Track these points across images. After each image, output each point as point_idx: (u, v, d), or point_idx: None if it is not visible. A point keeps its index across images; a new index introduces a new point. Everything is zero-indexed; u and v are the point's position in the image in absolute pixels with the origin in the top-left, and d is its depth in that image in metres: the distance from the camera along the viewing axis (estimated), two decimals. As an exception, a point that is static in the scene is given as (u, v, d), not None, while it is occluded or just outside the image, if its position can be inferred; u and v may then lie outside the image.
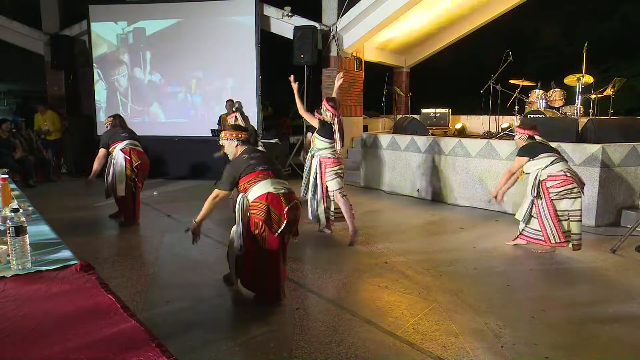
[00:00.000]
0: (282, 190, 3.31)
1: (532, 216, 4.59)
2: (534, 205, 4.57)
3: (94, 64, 9.85)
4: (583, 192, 4.52)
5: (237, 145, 3.54)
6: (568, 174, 4.44)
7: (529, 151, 4.59)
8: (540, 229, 4.54)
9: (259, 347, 2.82)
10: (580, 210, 4.49)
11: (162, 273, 4.12)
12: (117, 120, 5.86)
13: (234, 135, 3.55)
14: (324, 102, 5.02)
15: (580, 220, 4.51)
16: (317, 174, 5.03)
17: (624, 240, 4.61)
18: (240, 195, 3.39)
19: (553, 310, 3.35)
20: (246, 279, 3.47)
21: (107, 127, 5.89)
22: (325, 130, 4.96)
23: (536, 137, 4.66)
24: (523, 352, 2.76)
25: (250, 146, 3.56)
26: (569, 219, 4.47)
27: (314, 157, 5.10)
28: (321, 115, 5.08)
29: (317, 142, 5.03)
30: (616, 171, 5.58)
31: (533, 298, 3.59)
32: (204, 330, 3.01)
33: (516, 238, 4.83)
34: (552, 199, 4.47)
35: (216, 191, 3.51)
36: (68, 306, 1.49)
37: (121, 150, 5.50)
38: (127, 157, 5.49)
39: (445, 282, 3.89)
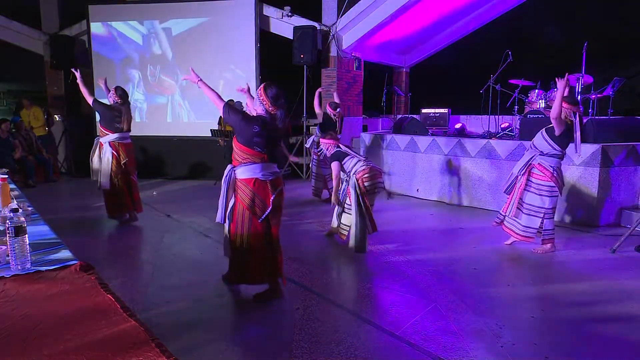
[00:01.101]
0: (270, 177, 3.32)
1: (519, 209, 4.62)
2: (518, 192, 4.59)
3: (93, 64, 9.85)
4: (561, 193, 4.59)
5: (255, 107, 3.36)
6: (555, 174, 4.45)
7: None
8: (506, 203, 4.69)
9: (259, 347, 2.83)
10: (555, 208, 4.59)
11: (161, 273, 4.12)
12: (122, 100, 5.67)
13: (266, 102, 3.26)
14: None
15: (553, 217, 4.61)
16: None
17: (623, 240, 4.61)
18: (229, 167, 3.34)
19: (553, 310, 3.35)
20: (233, 266, 3.50)
21: (112, 100, 5.67)
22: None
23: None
24: (523, 352, 2.76)
25: (265, 120, 3.27)
26: (543, 216, 4.51)
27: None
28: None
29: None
30: (616, 171, 5.58)
31: (533, 298, 3.59)
32: (204, 330, 3.01)
33: (500, 223, 4.87)
34: (525, 187, 4.53)
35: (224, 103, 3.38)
36: (68, 306, 1.49)
37: (109, 143, 5.52)
38: (115, 153, 5.52)
39: (445, 282, 3.89)
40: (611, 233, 5.21)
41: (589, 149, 5.55)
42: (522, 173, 4.56)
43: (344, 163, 4.66)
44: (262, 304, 3.41)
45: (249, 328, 3.07)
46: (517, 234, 4.63)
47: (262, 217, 3.29)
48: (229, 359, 2.70)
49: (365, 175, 4.48)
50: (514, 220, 4.64)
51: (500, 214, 4.84)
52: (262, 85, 3.32)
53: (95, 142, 5.74)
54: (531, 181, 4.53)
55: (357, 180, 4.47)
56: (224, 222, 3.37)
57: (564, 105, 4.35)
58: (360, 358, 2.68)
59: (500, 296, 3.61)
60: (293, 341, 2.86)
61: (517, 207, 4.60)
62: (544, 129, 4.55)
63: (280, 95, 3.26)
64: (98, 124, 5.80)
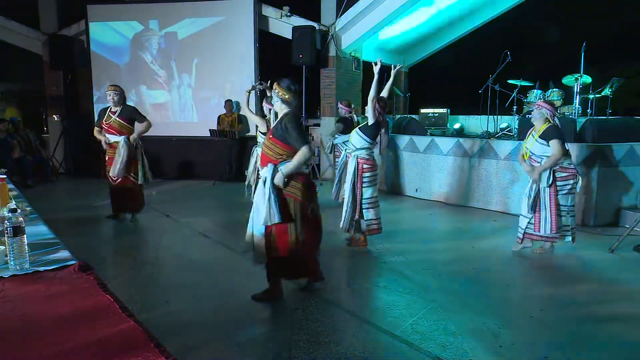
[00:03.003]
0: (307, 170, 3.38)
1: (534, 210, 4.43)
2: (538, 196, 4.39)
3: (92, 64, 9.85)
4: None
5: (277, 102, 3.32)
6: (575, 169, 4.37)
7: (562, 134, 4.35)
8: (534, 222, 4.43)
9: (258, 347, 2.83)
10: (574, 205, 4.48)
11: (160, 273, 4.12)
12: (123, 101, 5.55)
13: (275, 90, 3.28)
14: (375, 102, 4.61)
15: (574, 215, 4.49)
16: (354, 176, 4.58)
17: (622, 240, 4.62)
18: (271, 166, 3.19)
19: (551, 309, 3.35)
20: (282, 264, 3.33)
21: (113, 99, 5.44)
22: (372, 129, 4.54)
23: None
24: (522, 352, 2.76)
25: (296, 113, 3.29)
26: (567, 214, 4.41)
27: (349, 157, 4.78)
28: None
29: (356, 140, 4.58)
30: (614, 171, 5.59)
31: (532, 298, 3.60)
32: (203, 331, 3.01)
33: (522, 240, 4.57)
34: (557, 192, 4.35)
35: (306, 149, 3.16)
36: (66, 306, 1.49)
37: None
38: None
39: (444, 281, 3.89)
40: (610, 233, 5.22)
41: (587, 149, 5.56)
42: (549, 184, 4.34)
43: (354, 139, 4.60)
44: (264, 303, 3.40)
45: (248, 328, 3.07)
46: (545, 236, 4.44)
47: (310, 210, 3.30)
48: (228, 359, 2.70)
49: (367, 166, 4.49)
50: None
51: (534, 233, 4.49)
52: (278, 82, 3.32)
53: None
54: (557, 185, 4.37)
55: (358, 164, 4.47)
56: (278, 221, 3.18)
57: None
58: (359, 358, 2.68)
59: (499, 296, 3.62)
60: (292, 341, 2.85)
61: (557, 214, 4.37)
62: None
63: (294, 84, 3.33)
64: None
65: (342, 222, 4.65)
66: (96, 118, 5.76)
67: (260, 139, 4.93)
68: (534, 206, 4.41)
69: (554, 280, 4.01)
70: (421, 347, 2.81)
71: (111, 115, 5.50)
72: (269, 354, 2.74)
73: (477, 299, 3.52)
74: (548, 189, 4.33)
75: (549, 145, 4.25)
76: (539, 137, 4.33)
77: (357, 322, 3.15)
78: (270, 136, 3.24)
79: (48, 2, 10.65)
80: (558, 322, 3.16)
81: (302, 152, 3.14)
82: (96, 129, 5.65)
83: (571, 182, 4.36)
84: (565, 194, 4.37)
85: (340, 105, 7.07)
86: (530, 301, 3.53)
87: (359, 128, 4.66)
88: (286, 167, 3.16)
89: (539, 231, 4.41)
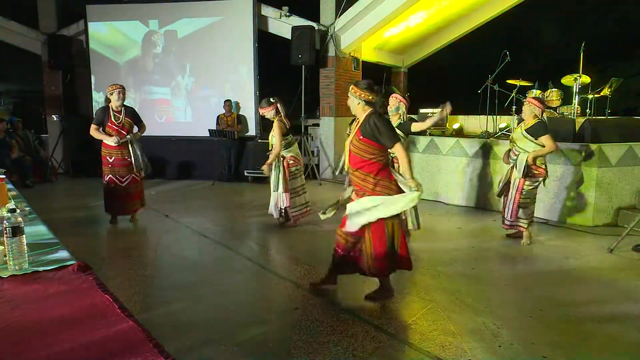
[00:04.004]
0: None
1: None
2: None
3: (91, 64, 9.84)
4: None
5: (358, 104, 3.30)
6: (546, 170, 4.74)
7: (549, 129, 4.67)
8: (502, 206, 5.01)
9: (258, 347, 2.82)
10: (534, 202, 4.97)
11: (160, 273, 4.11)
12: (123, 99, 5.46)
13: (357, 93, 3.28)
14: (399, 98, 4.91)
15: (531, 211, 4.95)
16: None
17: (621, 240, 4.62)
18: (375, 175, 3.24)
19: (551, 309, 3.36)
20: (386, 261, 3.35)
21: (121, 97, 5.36)
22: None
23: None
24: (521, 352, 2.76)
25: (377, 112, 3.30)
26: (526, 207, 4.85)
27: None
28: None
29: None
30: (613, 171, 5.60)
31: (531, 297, 3.60)
32: (202, 331, 3.01)
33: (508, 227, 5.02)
34: (524, 186, 4.75)
35: (400, 146, 3.24)
36: (65, 307, 1.49)
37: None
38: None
39: (443, 281, 3.89)
40: (609, 233, 5.22)
41: (586, 149, 5.57)
42: (523, 175, 4.73)
43: None
44: (260, 304, 3.40)
45: (247, 328, 3.07)
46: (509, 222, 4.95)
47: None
48: (227, 359, 2.70)
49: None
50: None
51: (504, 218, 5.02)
52: (355, 85, 3.33)
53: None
54: (528, 179, 4.78)
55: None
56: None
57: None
58: (358, 358, 2.68)
59: (498, 296, 3.62)
60: (291, 341, 2.86)
61: (518, 205, 4.82)
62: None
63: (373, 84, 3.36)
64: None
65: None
66: (95, 117, 5.57)
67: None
68: (502, 191, 4.95)
69: (553, 280, 4.01)
70: (420, 347, 2.82)
71: (118, 115, 5.41)
72: (268, 353, 2.74)
73: (476, 299, 3.52)
74: (519, 179, 4.72)
75: (532, 140, 4.60)
76: (525, 130, 4.65)
77: (357, 322, 3.15)
78: (360, 137, 3.24)
79: (47, 2, 10.64)
80: (557, 322, 3.17)
81: (401, 151, 3.25)
82: (94, 127, 5.41)
83: (540, 179, 4.73)
84: (531, 189, 4.75)
85: None
86: (529, 301, 3.53)
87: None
88: (407, 174, 3.25)
89: (505, 215, 4.91)
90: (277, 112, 5.31)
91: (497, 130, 7.60)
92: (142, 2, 9.54)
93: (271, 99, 5.31)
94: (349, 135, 3.44)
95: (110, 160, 5.46)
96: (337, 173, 6.37)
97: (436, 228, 5.70)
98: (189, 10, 9.33)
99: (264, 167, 5.34)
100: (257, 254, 4.68)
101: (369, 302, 3.46)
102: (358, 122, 3.34)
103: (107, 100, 5.47)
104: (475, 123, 8.96)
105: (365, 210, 3.26)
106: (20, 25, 10.51)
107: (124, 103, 5.51)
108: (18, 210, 1.95)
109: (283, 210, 5.57)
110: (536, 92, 7.48)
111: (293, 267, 4.23)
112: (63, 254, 2.00)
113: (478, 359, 2.69)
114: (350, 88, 3.32)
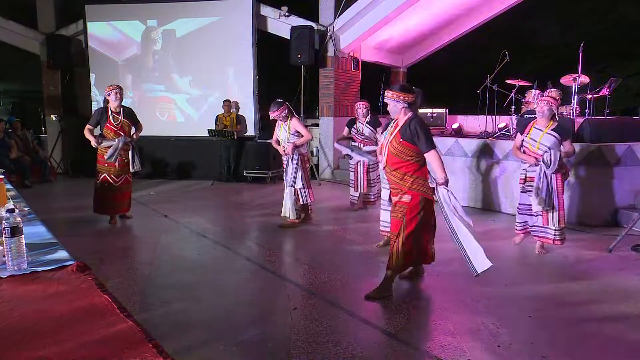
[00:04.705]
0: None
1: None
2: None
3: (90, 64, 9.83)
4: None
5: (402, 108, 3.47)
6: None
7: None
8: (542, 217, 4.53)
9: (257, 347, 2.82)
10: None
11: (159, 273, 4.11)
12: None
13: (401, 97, 3.45)
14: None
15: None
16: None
17: (620, 240, 4.63)
18: (431, 180, 3.50)
19: (550, 309, 3.36)
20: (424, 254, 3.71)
21: (119, 98, 5.38)
22: None
23: None
24: (520, 352, 2.76)
25: (418, 117, 3.50)
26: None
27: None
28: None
29: None
30: (612, 171, 5.60)
31: (530, 297, 3.60)
32: (201, 331, 3.01)
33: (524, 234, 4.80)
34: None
35: (435, 152, 3.45)
36: (64, 307, 1.49)
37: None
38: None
39: (443, 281, 3.89)
40: (608, 233, 5.22)
41: (585, 149, 5.57)
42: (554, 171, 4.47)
43: None
44: (260, 304, 3.39)
45: (246, 328, 3.07)
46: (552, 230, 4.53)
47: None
48: (226, 359, 2.69)
49: None
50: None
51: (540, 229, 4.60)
52: (391, 88, 3.51)
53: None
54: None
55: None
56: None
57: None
58: (357, 358, 2.68)
59: (497, 296, 3.62)
60: (290, 341, 2.85)
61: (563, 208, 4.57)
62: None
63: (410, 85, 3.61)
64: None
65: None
66: (91, 117, 5.56)
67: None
68: (547, 200, 4.39)
69: (552, 280, 4.01)
70: (420, 346, 2.82)
71: (117, 116, 5.41)
72: (267, 354, 2.74)
73: (475, 298, 3.52)
74: (554, 177, 4.40)
75: (559, 140, 4.38)
76: (552, 130, 4.42)
77: (356, 322, 3.15)
78: (400, 139, 3.44)
79: (46, 2, 10.63)
80: (556, 322, 3.17)
81: (436, 156, 3.44)
82: (90, 128, 5.43)
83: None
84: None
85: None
86: (528, 301, 3.53)
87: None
88: (442, 180, 3.42)
89: (549, 225, 4.48)
90: (290, 111, 5.40)
91: (497, 130, 7.61)
92: (141, 1, 9.54)
93: (278, 100, 5.37)
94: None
95: (106, 159, 5.47)
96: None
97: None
98: (187, 10, 9.33)
99: (287, 150, 5.33)
100: (256, 254, 4.67)
101: (369, 301, 3.46)
102: (396, 124, 3.53)
103: (106, 101, 5.49)
104: (475, 123, 8.97)
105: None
106: (19, 25, 10.50)
107: (122, 104, 5.51)
108: (17, 211, 1.95)
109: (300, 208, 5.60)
110: (535, 92, 7.49)
111: (292, 267, 4.22)
112: (62, 254, 2.00)
113: (477, 358, 2.69)
114: (387, 92, 3.51)
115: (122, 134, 5.45)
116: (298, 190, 5.45)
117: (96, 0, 9.74)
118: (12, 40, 10.61)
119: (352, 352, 2.73)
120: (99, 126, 5.48)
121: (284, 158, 5.51)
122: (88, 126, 5.47)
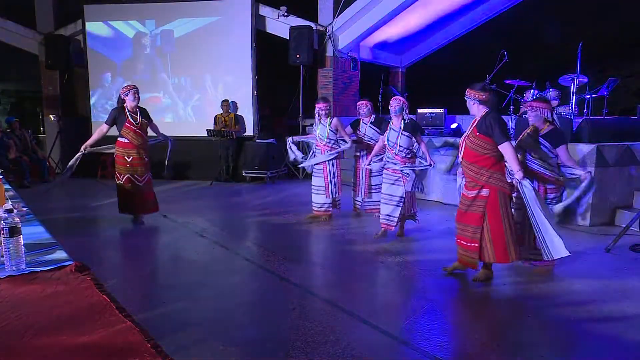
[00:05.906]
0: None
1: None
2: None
3: (88, 64, 9.82)
4: None
5: (477, 105, 3.65)
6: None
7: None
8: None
9: (256, 347, 2.82)
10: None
11: (158, 273, 4.11)
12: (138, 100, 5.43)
13: (476, 95, 3.64)
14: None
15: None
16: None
17: (618, 240, 4.63)
18: (489, 169, 3.60)
19: (549, 309, 3.36)
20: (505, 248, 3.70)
21: (130, 98, 5.33)
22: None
23: None
24: (519, 351, 2.77)
25: (493, 112, 3.63)
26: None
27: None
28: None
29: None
30: (611, 171, 5.61)
31: (529, 297, 3.60)
32: (200, 331, 3.01)
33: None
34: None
35: (509, 144, 3.54)
36: (63, 307, 1.48)
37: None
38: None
39: (442, 281, 3.89)
40: (606, 232, 5.24)
41: (584, 149, 5.58)
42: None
43: None
44: (259, 304, 3.39)
45: (245, 328, 3.07)
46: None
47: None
48: (226, 359, 2.69)
49: None
50: None
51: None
52: (470, 88, 3.70)
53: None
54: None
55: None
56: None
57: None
58: (356, 358, 2.68)
59: (496, 295, 3.62)
60: (289, 341, 2.85)
61: None
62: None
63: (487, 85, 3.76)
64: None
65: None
66: (107, 117, 5.46)
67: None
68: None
69: (551, 279, 4.01)
70: (419, 346, 2.82)
71: (135, 116, 5.39)
72: (266, 354, 2.74)
73: (474, 298, 3.53)
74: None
75: (550, 148, 3.92)
76: (540, 136, 3.96)
77: (355, 322, 3.15)
78: (477, 133, 3.62)
79: (44, 2, 10.62)
80: (555, 321, 3.17)
81: (510, 148, 3.53)
82: (106, 127, 5.39)
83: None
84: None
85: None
86: (527, 300, 3.53)
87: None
88: (520, 174, 3.54)
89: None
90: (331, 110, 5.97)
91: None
92: (139, 1, 9.53)
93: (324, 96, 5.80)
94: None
95: (129, 160, 5.41)
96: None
97: (435, 228, 5.71)
98: (187, 10, 9.33)
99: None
100: (255, 254, 4.67)
101: (476, 282, 3.74)
102: (474, 120, 3.72)
103: (121, 101, 5.44)
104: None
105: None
106: (17, 25, 10.49)
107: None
108: (15, 211, 1.94)
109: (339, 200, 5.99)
110: (534, 92, 7.49)
111: (291, 267, 4.22)
112: (60, 254, 2.00)
113: (477, 358, 2.69)
114: (467, 91, 3.72)
115: (141, 133, 5.47)
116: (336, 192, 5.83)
117: (95, 0, 9.73)
118: (10, 40, 10.60)
119: (352, 352, 2.73)
120: (114, 126, 5.41)
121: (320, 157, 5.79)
122: (105, 125, 5.41)
